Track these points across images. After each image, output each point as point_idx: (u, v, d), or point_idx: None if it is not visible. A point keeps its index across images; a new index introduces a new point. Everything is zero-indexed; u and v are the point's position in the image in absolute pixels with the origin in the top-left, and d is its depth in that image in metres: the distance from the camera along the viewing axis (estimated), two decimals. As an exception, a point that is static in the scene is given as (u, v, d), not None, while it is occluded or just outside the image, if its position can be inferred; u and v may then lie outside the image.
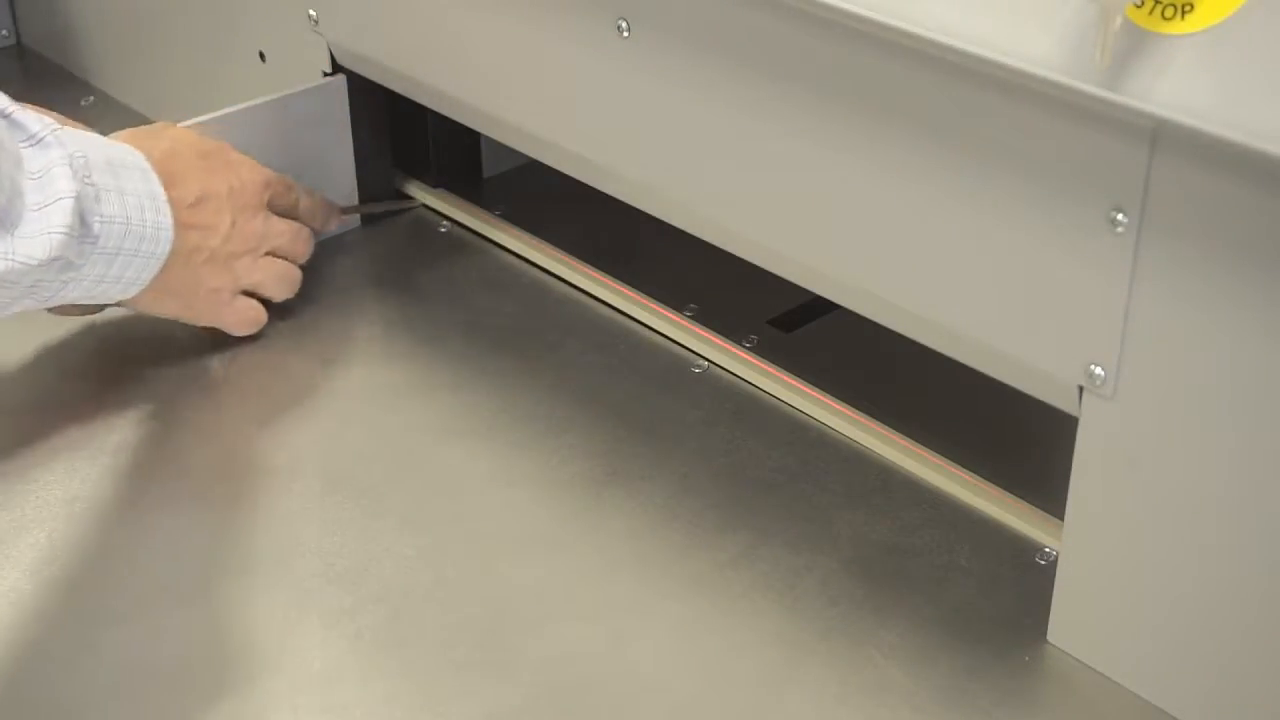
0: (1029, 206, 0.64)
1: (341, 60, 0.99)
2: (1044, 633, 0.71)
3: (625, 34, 0.77)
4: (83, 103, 1.20)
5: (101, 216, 0.78)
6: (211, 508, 0.79)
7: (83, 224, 0.76)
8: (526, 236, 0.99)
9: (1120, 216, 0.60)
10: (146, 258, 0.81)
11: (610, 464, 0.82)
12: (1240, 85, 0.55)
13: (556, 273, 0.97)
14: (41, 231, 0.73)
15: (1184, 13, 0.56)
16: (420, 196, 1.05)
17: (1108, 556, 0.67)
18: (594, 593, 0.75)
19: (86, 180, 0.77)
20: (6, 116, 0.74)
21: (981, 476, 0.79)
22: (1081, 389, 0.65)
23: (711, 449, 0.83)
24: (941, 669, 0.70)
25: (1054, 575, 0.70)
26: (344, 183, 1.02)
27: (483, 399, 0.88)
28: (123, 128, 0.88)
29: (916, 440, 0.82)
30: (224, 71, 1.09)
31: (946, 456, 0.80)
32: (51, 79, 1.25)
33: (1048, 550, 0.75)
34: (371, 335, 0.93)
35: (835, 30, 0.67)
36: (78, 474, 0.81)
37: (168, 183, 0.83)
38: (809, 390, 0.86)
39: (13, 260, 0.72)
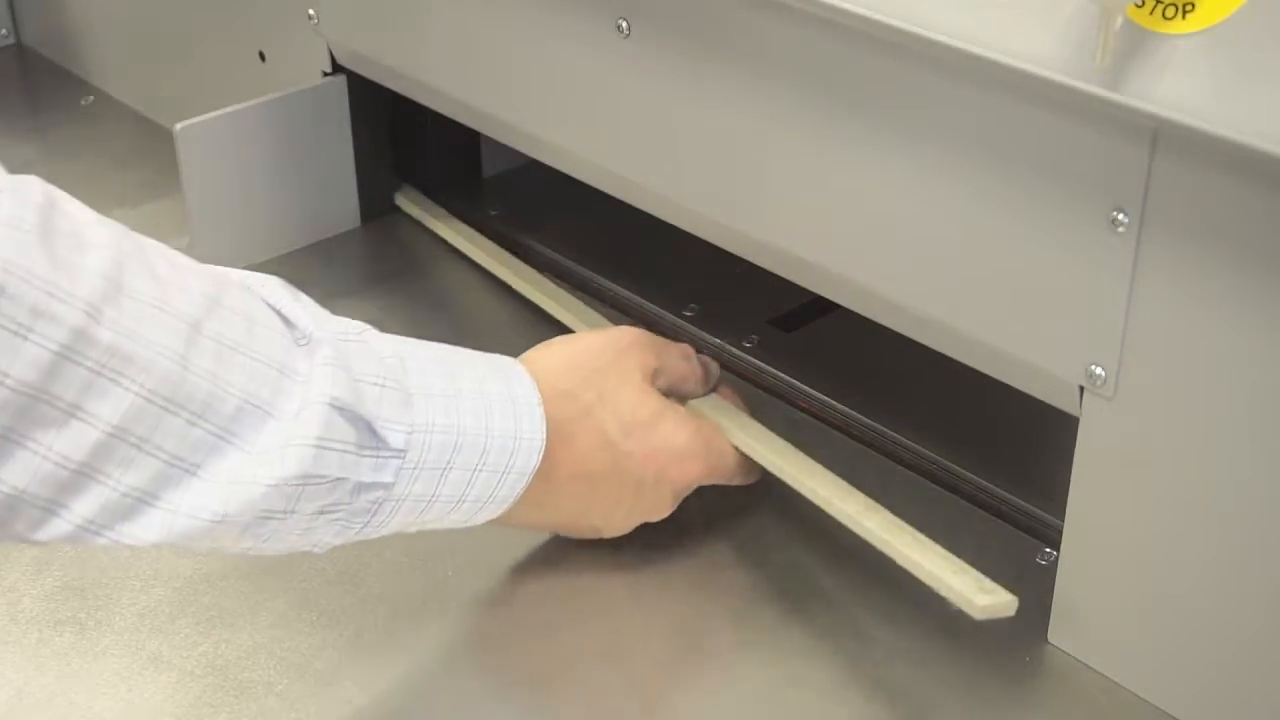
0: (1029, 206, 0.64)
1: (341, 60, 0.99)
2: (1044, 633, 0.71)
3: (625, 34, 0.77)
4: (83, 102, 1.20)
5: (409, 426, 0.63)
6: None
7: (372, 434, 0.62)
8: (519, 265, 0.97)
9: (1120, 216, 0.60)
10: (499, 473, 0.67)
11: (610, 464, 0.82)
12: (1240, 85, 0.54)
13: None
14: (282, 444, 0.59)
15: (1184, 13, 0.56)
16: (412, 208, 1.05)
17: (1108, 556, 0.67)
18: (593, 593, 0.74)
19: (386, 384, 0.63)
20: (278, 311, 0.62)
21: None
22: (1081, 389, 0.65)
23: (711, 449, 0.83)
24: (941, 669, 0.70)
25: (1054, 575, 0.70)
26: (343, 182, 1.03)
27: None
28: (122, 128, 0.87)
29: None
30: (224, 71, 1.09)
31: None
32: (51, 79, 1.24)
33: (1048, 550, 0.75)
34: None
35: (835, 30, 0.67)
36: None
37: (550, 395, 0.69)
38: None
39: (233, 485, 0.58)
